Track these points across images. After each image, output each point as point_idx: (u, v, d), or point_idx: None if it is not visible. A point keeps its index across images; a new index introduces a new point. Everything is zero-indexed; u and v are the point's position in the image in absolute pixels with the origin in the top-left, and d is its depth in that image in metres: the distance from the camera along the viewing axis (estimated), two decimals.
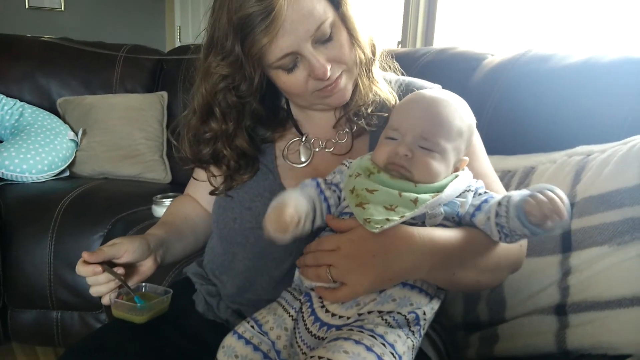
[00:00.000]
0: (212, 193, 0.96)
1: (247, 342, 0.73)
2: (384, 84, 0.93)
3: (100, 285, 0.83)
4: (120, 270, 0.84)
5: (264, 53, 0.80)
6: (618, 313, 0.84)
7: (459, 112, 0.77)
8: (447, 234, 0.72)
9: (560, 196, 0.66)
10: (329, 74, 0.81)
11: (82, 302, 1.68)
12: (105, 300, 0.84)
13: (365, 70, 0.88)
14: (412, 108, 0.78)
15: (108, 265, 0.83)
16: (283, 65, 0.81)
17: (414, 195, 0.70)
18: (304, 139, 0.94)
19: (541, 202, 0.65)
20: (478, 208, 0.74)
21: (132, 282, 0.87)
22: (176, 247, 0.98)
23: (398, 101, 0.90)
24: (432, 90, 0.83)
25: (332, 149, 0.94)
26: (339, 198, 0.79)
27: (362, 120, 0.90)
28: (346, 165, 0.81)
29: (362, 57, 0.85)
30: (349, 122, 0.92)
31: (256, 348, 0.73)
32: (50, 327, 1.75)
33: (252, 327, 0.74)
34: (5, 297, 1.72)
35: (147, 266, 0.89)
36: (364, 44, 0.85)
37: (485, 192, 0.76)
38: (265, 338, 0.74)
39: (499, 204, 0.71)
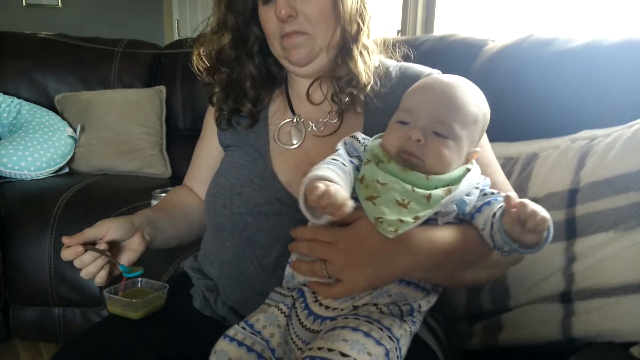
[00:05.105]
0: (217, 122, 0.99)
1: (240, 344, 0.71)
2: (370, 65, 0.91)
3: (88, 265, 0.82)
4: (103, 246, 0.83)
5: None
6: (624, 300, 0.82)
7: (476, 98, 0.75)
8: (447, 235, 0.70)
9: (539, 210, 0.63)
10: (284, 15, 0.83)
11: (83, 298, 1.68)
12: (98, 280, 0.83)
13: (344, 48, 0.88)
14: (427, 91, 0.76)
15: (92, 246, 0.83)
16: None
17: (426, 191, 0.67)
18: (295, 120, 0.94)
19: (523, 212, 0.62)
20: (479, 210, 0.71)
21: (123, 261, 0.86)
22: (167, 230, 0.97)
23: (372, 83, 0.90)
24: (449, 75, 0.80)
25: (321, 129, 0.93)
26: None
27: (338, 96, 0.89)
28: (359, 141, 0.76)
29: (338, 35, 0.86)
30: (333, 98, 0.91)
31: (250, 349, 0.71)
32: (53, 324, 1.74)
33: (244, 328, 0.73)
34: (6, 295, 1.71)
35: (135, 243, 0.88)
36: (347, 18, 0.85)
37: (492, 193, 0.73)
38: (258, 338, 0.72)
39: (494, 214, 0.68)
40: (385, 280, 0.69)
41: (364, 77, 0.89)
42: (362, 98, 0.89)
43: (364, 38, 0.89)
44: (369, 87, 0.90)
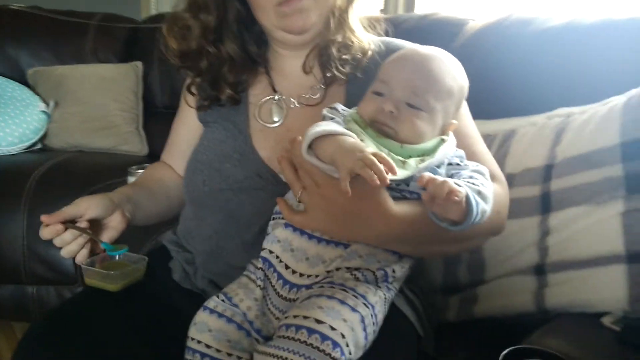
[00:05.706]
0: (198, 109, 0.96)
1: (220, 315, 0.72)
2: (362, 33, 0.91)
3: (69, 244, 0.81)
4: (84, 224, 0.82)
5: None
6: (596, 271, 0.85)
7: (452, 71, 0.75)
8: (415, 210, 0.70)
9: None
10: None
11: (57, 276, 1.64)
12: (79, 259, 0.82)
13: (339, 12, 0.87)
14: (403, 62, 0.75)
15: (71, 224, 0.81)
16: None
17: (401, 158, 0.68)
18: (276, 97, 0.93)
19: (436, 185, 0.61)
20: None
21: (104, 239, 0.85)
22: (147, 206, 0.96)
23: (374, 52, 0.90)
24: (427, 47, 0.79)
25: (304, 104, 0.92)
26: None
27: (333, 64, 0.88)
28: (339, 112, 0.76)
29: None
30: (321, 67, 0.90)
31: (229, 320, 0.72)
32: (26, 303, 1.70)
33: (223, 300, 0.73)
34: None
35: (116, 221, 0.87)
36: None
37: (458, 165, 0.73)
38: (238, 309, 0.73)
39: None
40: (345, 238, 0.69)
41: (363, 42, 0.89)
42: (366, 61, 0.89)
43: (356, 4, 0.89)
44: (369, 52, 0.89)
